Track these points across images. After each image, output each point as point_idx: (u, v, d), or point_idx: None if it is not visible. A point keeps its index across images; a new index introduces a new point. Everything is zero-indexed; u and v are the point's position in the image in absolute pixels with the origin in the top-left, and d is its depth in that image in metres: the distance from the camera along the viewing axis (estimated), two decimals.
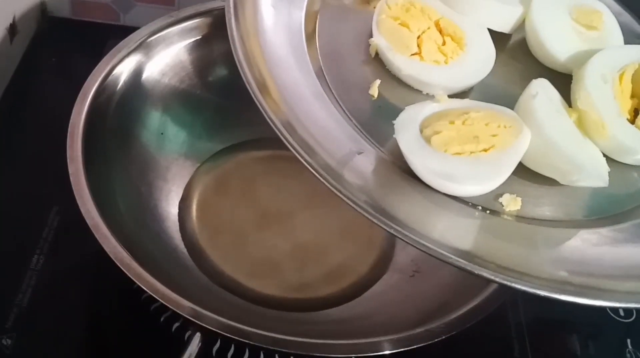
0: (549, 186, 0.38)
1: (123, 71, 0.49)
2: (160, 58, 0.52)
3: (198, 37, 0.54)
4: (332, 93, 0.40)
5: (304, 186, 0.54)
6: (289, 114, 0.37)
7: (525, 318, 0.51)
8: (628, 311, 0.53)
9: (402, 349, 0.38)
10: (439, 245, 0.32)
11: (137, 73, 0.51)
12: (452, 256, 0.32)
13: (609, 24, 0.45)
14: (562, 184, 0.38)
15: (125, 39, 0.50)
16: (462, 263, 0.32)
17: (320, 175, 0.34)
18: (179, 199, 0.52)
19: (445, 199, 0.36)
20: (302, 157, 0.34)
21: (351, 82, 0.41)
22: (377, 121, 0.39)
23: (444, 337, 0.39)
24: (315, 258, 0.50)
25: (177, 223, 0.51)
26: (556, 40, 0.43)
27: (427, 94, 0.41)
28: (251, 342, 0.37)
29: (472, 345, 0.47)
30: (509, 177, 0.37)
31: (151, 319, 0.43)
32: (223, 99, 0.55)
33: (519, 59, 0.44)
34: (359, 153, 0.37)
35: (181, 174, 0.53)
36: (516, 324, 0.51)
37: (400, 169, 0.37)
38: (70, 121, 0.44)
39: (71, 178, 0.41)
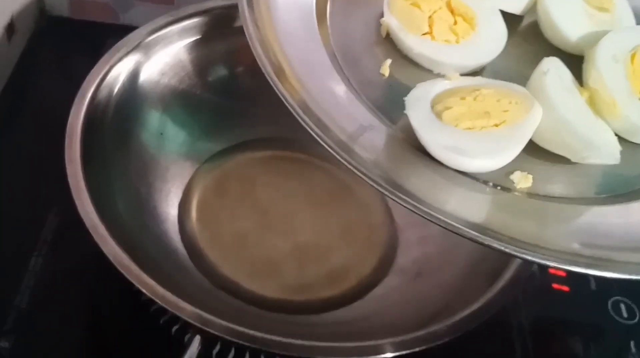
0: (560, 164, 0.38)
1: (122, 71, 0.49)
2: (160, 58, 0.52)
3: (198, 37, 0.53)
4: (344, 73, 0.41)
5: (304, 187, 0.54)
6: (304, 94, 0.37)
7: (527, 320, 0.51)
8: (631, 313, 0.53)
9: (404, 352, 0.38)
10: (452, 217, 0.33)
11: (136, 73, 0.50)
12: (465, 228, 0.32)
13: (621, 7, 0.45)
14: (573, 163, 0.38)
15: (124, 38, 0.50)
16: (474, 234, 0.32)
17: (335, 151, 0.34)
18: (179, 200, 0.52)
19: (456, 175, 0.36)
20: (318, 135, 0.35)
21: (363, 62, 0.42)
22: (388, 100, 0.40)
23: (446, 340, 0.39)
24: (315, 259, 0.50)
25: (177, 224, 0.50)
26: (568, 22, 0.43)
27: (438, 73, 0.41)
28: (251, 345, 0.37)
29: (474, 347, 0.47)
30: (520, 155, 0.37)
31: (151, 321, 0.43)
32: (223, 99, 0.55)
33: (530, 40, 0.44)
34: (370, 129, 0.37)
35: (181, 175, 0.53)
36: (518, 326, 0.51)
37: (412, 146, 0.37)
38: (69, 121, 0.44)
39: (69, 179, 0.41)
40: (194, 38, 0.53)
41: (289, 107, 0.35)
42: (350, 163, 0.34)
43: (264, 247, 0.50)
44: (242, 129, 0.56)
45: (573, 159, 0.38)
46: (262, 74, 0.58)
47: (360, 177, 0.33)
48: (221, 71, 0.55)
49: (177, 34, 0.52)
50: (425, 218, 0.32)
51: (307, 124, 0.35)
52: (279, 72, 0.37)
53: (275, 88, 0.36)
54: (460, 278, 0.46)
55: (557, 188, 0.37)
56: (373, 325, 0.45)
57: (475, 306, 0.41)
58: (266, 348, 0.37)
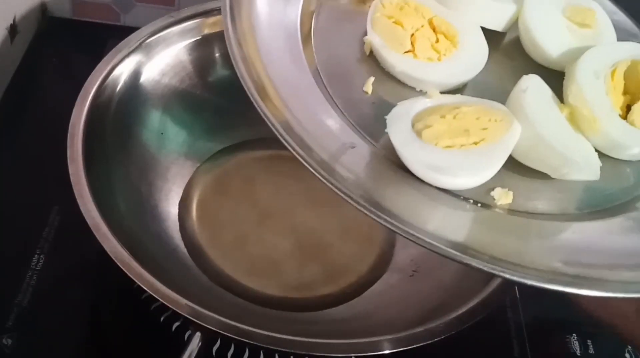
0: (541, 180, 0.38)
1: (123, 71, 0.49)
2: (161, 58, 0.52)
3: (198, 37, 0.54)
4: (327, 91, 0.41)
5: (303, 186, 0.55)
6: (287, 113, 0.37)
7: (524, 318, 0.51)
8: None
9: (401, 348, 0.38)
10: (433, 237, 0.33)
11: (138, 73, 0.51)
12: (445, 248, 0.32)
13: (602, 23, 0.45)
14: (554, 179, 0.38)
15: (126, 39, 0.50)
16: (454, 254, 0.32)
17: (317, 172, 0.34)
18: (179, 199, 0.52)
19: (437, 193, 0.36)
20: (300, 155, 0.35)
21: (346, 80, 0.42)
22: (370, 117, 0.40)
23: (443, 337, 0.39)
24: (315, 257, 0.50)
25: (177, 223, 0.51)
26: (549, 38, 0.43)
27: (421, 90, 0.41)
28: (251, 342, 0.37)
29: (472, 345, 0.47)
30: (501, 171, 0.37)
31: (151, 318, 0.43)
32: (223, 99, 0.56)
33: (512, 56, 0.45)
34: (352, 147, 0.38)
35: (181, 174, 0.53)
36: (516, 324, 0.51)
37: (394, 163, 0.37)
38: (71, 121, 0.44)
39: (71, 178, 0.41)
40: (194, 39, 0.54)
41: (272, 127, 0.35)
42: (332, 183, 0.34)
43: (263, 245, 0.50)
44: (242, 129, 0.56)
45: (553, 176, 0.38)
46: None
47: (342, 197, 0.33)
48: (221, 71, 0.56)
49: (177, 34, 0.53)
50: (406, 238, 0.32)
51: (289, 144, 0.35)
52: (262, 91, 0.37)
53: (257, 108, 0.36)
54: (457, 276, 0.46)
55: (538, 204, 0.37)
56: (371, 322, 0.46)
57: (472, 303, 0.41)
58: (266, 345, 0.37)
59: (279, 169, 0.55)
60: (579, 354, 0.50)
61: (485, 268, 0.31)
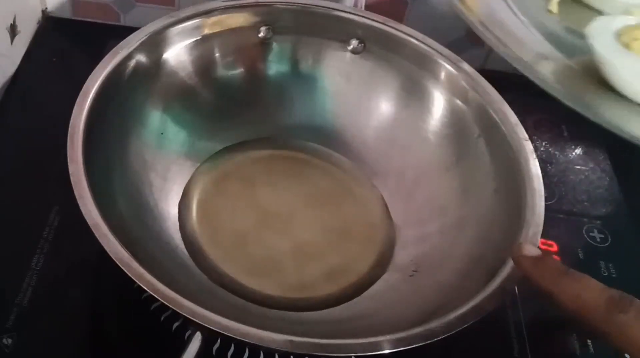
0: None
1: (123, 71, 0.49)
2: (161, 58, 0.52)
3: (198, 37, 0.54)
4: (516, 10, 0.42)
5: (304, 186, 0.55)
6: (482, 17, 0.39)
7: (524, 318, 0.51)
8: None
9: (401, 348, 0.38)
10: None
11: (137, 73, 0.51)
12: None
13: None
14: None
15: (126, 39, 0.50)
16: None
17: (517, 64, 0.35)
18: (179, 199, 0.52)
19: (637, 108, 0.36)
20: (497, 48, 0.36)
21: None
22: (559, 34, 0.40)
23: (443, 336, 0.39)
24: (314, 257, 0.50)
25: (177, 223, 0.51)
26: None
27: (608, 13, 0.41)
28: (251, 342, 0.37)
29: (472, 345, 0.47)
30: None
31: (151, 318, 0.43)
32: (223, 99, 0.56)
33: None
34: (546, 58, 0.38)
35: (181, 174, 0.53)
36: (516, 324, 0.51)
37: (589, 78, 0.37)
38: (71, 121, 0.44)
39: (71, 178, 0.41)
40: (194, 39, 0.54)
41: (469, 24, 0.37)
42: (532, 75, 0.34)
43: (263, 245, 0.50)
44: (242, 129, 0.56)
45: None
46: (262, 74, 0.59)
47: (543, 89, 0.34)
48: (221, 72, 0.56)
49: (177, 34, 0.53)
50: (617, 134, 0.32)
51: (487, 38, 0.36)
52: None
53: (457, 9, 0.39)
54: (457, 276, 0.46)
55: None
56: (371, 322, 0.45)
57: (472, 303, 0.40)
58: (266, 345, 0.37)
59: (279, 169, 0.55)
60: (578, 354, 0.50)
61: None
